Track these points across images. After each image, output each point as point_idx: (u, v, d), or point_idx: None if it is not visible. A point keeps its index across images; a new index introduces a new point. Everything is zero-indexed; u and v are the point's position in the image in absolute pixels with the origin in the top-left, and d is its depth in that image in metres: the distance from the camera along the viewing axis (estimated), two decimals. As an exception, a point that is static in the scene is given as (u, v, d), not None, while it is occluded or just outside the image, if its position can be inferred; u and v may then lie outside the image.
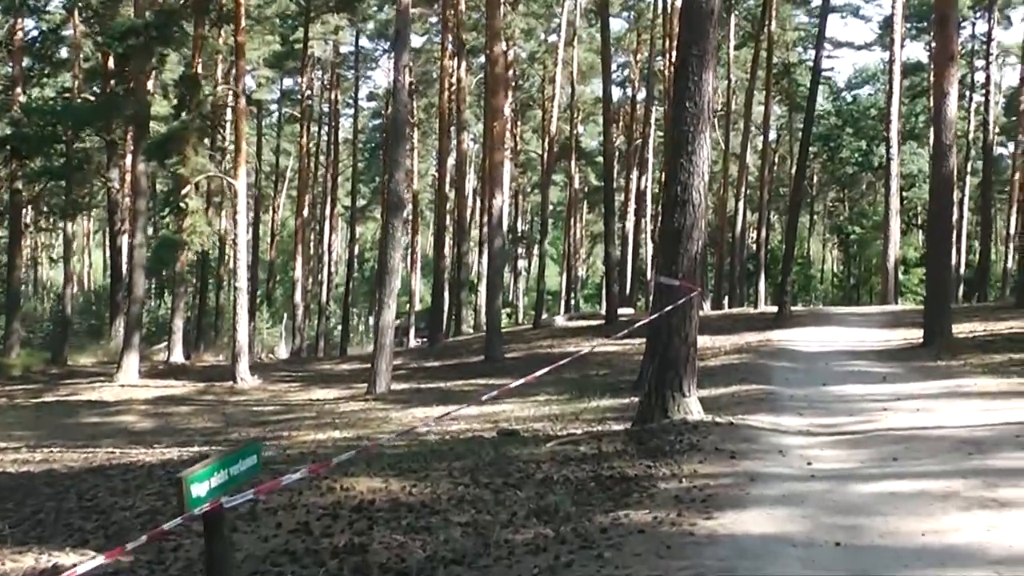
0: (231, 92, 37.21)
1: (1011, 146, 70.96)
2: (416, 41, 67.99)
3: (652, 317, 12.92)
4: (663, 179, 14.13)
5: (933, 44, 68.69)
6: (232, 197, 34.02)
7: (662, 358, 12.76)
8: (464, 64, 44.02)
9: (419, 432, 15.99)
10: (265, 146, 76.34)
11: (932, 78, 57.80)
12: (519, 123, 73.21)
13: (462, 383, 27.03)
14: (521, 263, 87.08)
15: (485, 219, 34.56)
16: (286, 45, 60.49)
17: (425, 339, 52.08)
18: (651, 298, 13.38)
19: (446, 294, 50.94)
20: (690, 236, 12.66)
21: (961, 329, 24.87)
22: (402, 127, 27.01)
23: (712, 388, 17.83)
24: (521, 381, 12.37)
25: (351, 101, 74.43)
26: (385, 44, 71.74)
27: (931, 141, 26.63)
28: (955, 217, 41.56)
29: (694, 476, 9.72)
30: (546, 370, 13.01)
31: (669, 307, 12.48)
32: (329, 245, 71.59)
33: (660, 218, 13.48)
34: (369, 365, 27.23)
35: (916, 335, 25.12)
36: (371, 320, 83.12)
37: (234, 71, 35.80)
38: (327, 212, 69.36)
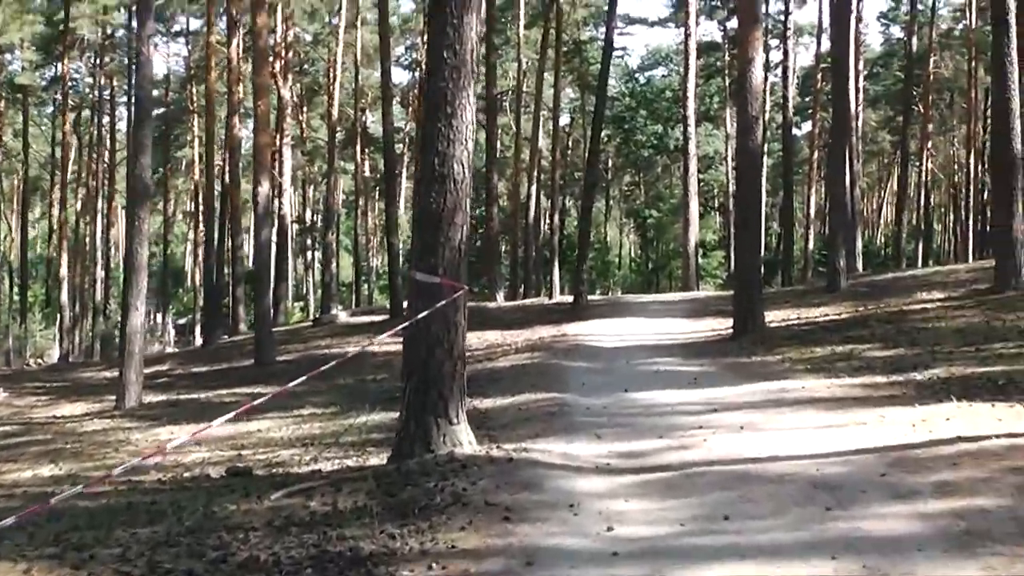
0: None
1: (806, 126, 70.86)
2: (196, 24, 64.64)
3: (404, 324, 10.12)
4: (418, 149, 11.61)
5: (727, 23, 69.23)
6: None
7: (421, 377, 10.00)
8: (236, 42, 40.53)
9: (146, 465, 13.08)
10: (40, 136, 71.84)
11: (735, 46, 57.19)
12: (305, 109, 69.94)
13: (226, 392, 24.12)
14: (317, 255, 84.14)
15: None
16: (53, 26, 56.26)
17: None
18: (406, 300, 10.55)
19: (226, 290, 47.74)
20: (451, 220, 9.98)
21: (773, 317, 22.89)
22: (147, 106, 23.78)
23: (497, 397, 15.67)
24: (263, 399, 9.63)
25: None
26: (161, 26, 68.08)
27: (735, 112, 24.48)
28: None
29: (451, 555, 6.97)
30: (297, 382, 10.27)
31: (425, 311, 9.72)
32: (107, 240, 67.49)
33: (413, 198, 10.69)
34: (149, 369, 24.08)
35: (724, 325, 23.21)
36: (159, 317, 79.41)
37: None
38: (103, 206, 65.28)
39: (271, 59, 48.59)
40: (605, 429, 11.60)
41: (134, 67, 61.08)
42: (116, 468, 12.11)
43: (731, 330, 21.79)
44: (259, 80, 29.69)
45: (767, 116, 59.34)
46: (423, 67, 63.40)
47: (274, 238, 56.01)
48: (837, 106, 29.47)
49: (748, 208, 22.41)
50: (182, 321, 71.72)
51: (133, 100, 27.67)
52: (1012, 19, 21.69)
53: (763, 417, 11.64)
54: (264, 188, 28.30)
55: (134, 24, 61.29)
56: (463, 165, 10.03)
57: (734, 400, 13.16)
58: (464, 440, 10.04)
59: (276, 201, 53.11)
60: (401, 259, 37.46)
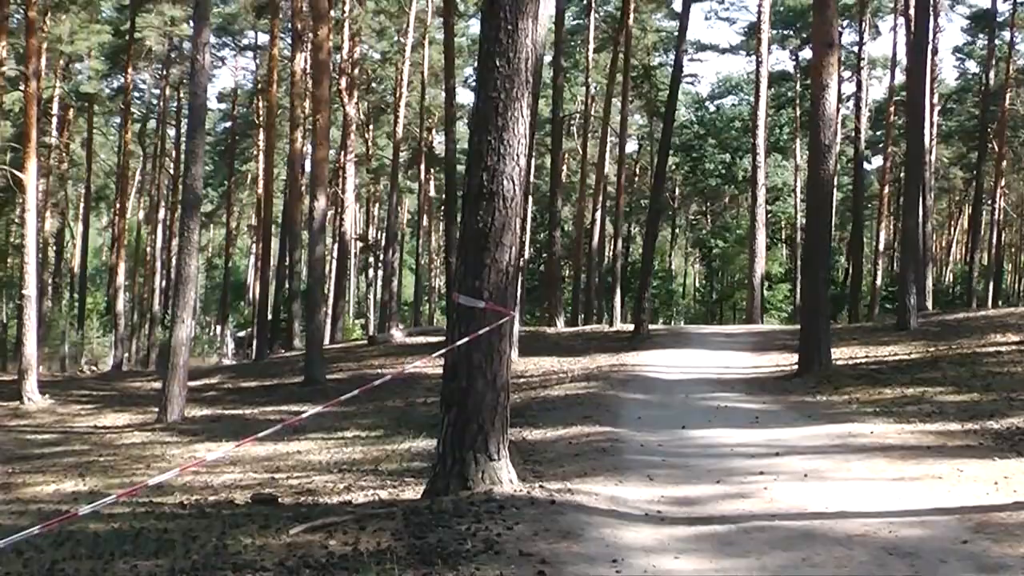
0: (23, 75, 32.90)
1: (876, 160, 69.67)
2: (265, 38, 64.31)
3: (443, 351, 9.38)
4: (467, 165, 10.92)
5: (799, 53, 68.32)
6: (21, 193, 29.69)
7: (460, 408, 9.26)
8: (301, 57, 40.15)
9: (172, 485, 12.48)
10: (107, 145, 71.99)
11: (807, 76, 56.37)
12: (371, 127, 69.57)
13: (271, 409, 23.61)
14: (379, 273, 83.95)
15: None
16: (119, 36, 56.14)
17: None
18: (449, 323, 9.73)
19: (282, 305, 47.27)
20: (499, 241, 9.25)
21: (839, 355, 21.87)
22: (200, 114, 23.18)
23: (547, 428, 14.95)
24: (308, 413, 8.92)
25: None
26: (230, 39, 68.06)
27: (807, 141, 23.59)
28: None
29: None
30: (313, 410, 9.62)
31: (466, 338, 8.98)
32: (168, 250, 67.35)
33: (461, 215, 9.94)
34: (198, 382, 23.54)
35: (788, 361, 22.35)
36: (218, 329, 79.26)
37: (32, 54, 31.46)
38: (163, 216, 65.10)
39: (337, 76, 48.30)
40: (658, 470, 10.84)
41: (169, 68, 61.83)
42: (139, 486, 11.53)
43: (796, 366, 20.88)
44: (319, 93, 29.16)
45: (837, 148, 58.42)
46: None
47: (334, 255, 56.38)
48: (912, 140, 28.49)
49: (818, 239, 21.47)
50: (242, 334, 71.54)
51: (187, 108, 27.06)
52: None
53: (829, 464, 10.81)
54: (320, 203, 27.71)
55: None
56: (514, 182, 9.31)
57: (798, 443, 12.34)
58: (504, 478, 9.29)
59: (338, 218, 52.98)
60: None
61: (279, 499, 10.87)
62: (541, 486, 9.53)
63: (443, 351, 9.35)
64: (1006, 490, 9.05)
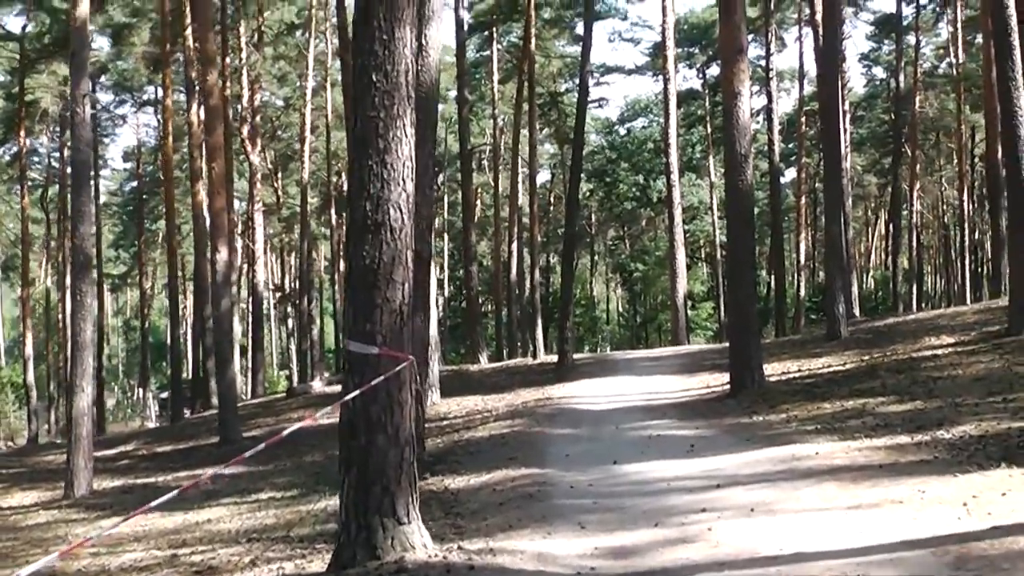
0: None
1: (789, 173, 69.52)
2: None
3: (338, 404, 8.35)
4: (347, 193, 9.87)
5: (706, 70, 68.12)
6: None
7: (361, 469, 8.22)
8: (196, 106, 38.93)
9: (66, 572, 11.39)
10: (11, 214, 70.18)
11: (716, 93, 56.22)
12: (280, 175, 68.34)
13: (185, 475, 22.35)
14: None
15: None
16: (11, 100, 54.53)
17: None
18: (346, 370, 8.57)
19: (191, 363, 46.00)
20: (390, 277, 8.25)
21: (771, 370, 21.06)
22: (84, 170, 21.94)
23: (471, 474, 13.94)
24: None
25: (104, 161, 69.50)
26: (129, 96, 66.42)
27: (723, 150, 22.85)
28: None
29: None
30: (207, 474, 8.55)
31: (358, 389, 7.96)
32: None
33: (343, 252, 8.90)
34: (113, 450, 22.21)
35: (719, 380, 21.49)
36: (138, 392, 77.62)
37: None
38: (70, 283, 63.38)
39: (238, 125, 47.13)
40: (590, 515, 9.88)
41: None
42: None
43: (728, 386, 20.00)
44: (212, 141, 27.90)
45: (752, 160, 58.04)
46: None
47: (250, 307, 55.03)
48: (828, 147, 27.90)
49: (741, 252, 20.67)
50: (165, 395, 69.97)
51: (68, 165, 25.88)
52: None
53: (776, 494, 9.89)
54: (222, 255, 26.51)
55: (98, 92, 60.65)
56: (401, 211, 8.32)
57: (739, 471, 11.41)
58: (417, 542, 8.25)
59: (251, 269, 51.69)
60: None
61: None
62: (460, 547, 8.52)
63: (326, 410, 8.33)
64: (978, 513, 8.13)
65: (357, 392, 8.00)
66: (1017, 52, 20.22)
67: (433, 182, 17.66)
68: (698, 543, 8.25)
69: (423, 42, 16.35)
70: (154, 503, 8.49)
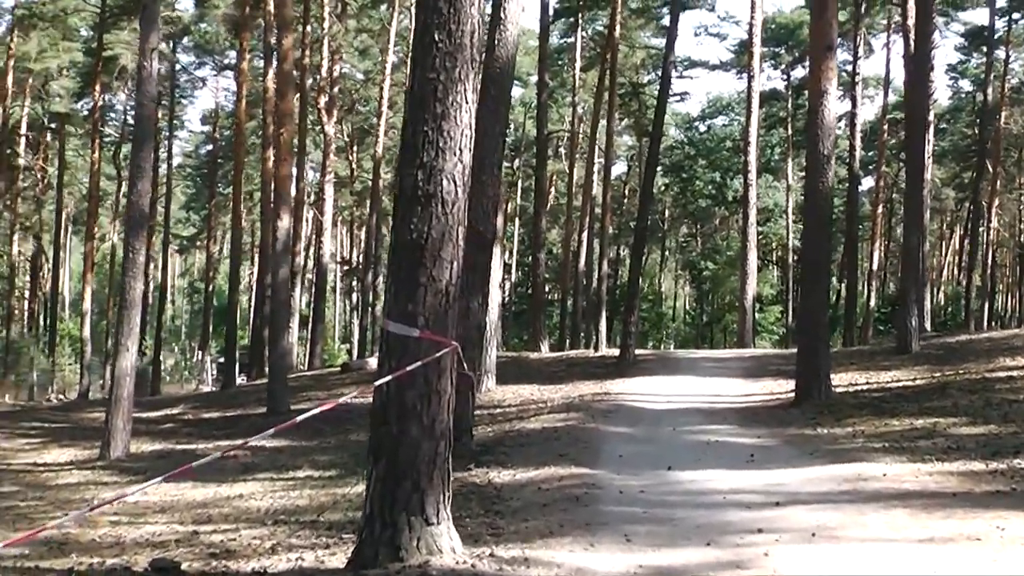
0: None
1: (867, 181, 68.38)
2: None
3: (361, 388, 7.73)
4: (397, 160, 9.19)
5: (790, 72, 66.96)
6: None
7: (391, 460, 7.58)
8: (274, 71, 38.49)
9: (79, 540, 10.92)
10: (84, 168, 70.38)
11: (799, 96, 55.27)
12: (356, 149, 68.16)
13: (227, 444, 21.73)
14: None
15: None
16: (91, 55, 54.40)
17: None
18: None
19: (251, 330, 45.64)
20: (437, 254, 7.60)
21: (838, 381, 20.18)
22: (148, 125, 21.46)
23: (518, 469, 13.25)
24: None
25: (180, 122, 70.31)
26: (209, 59, 66.27)
27: (805, 150, 22.05)
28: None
29: None
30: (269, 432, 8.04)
31: (394, 373, 7.32)
32: (146, 275, 65.52)
33: (392, 223, 8.24)
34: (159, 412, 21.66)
35: (784, 388, 20.75)
36: (197, 355, 77.60)
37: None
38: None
39: (315, 94, 46.76)
40: (639, 526, 9.20)
41: (186, 102, 60.10)
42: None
43: (792, 394, 19.23)
44: (283, 106, 27.44)
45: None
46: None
47: (314, 279, 54.71)
48: (912, 156, 27.08)
49: (817, 256, 19.86)
50: (222, 360, 69.96)
51: (133, 119, 25.48)
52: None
53: (840, 517, 9.16)
54: (284, 223, 26.02)
55: (179, 54, 60.57)
56: (455, 183, 7.67)
57: (801, 488, 10.70)
58: (445, 546, 7.61)
59: (317, 241, 51.38)
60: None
61: (181, 566, 9.11)
62: (492, 554, 7.87)
63: (351, 396, 7.70)
64: (1067, 560, 7.39)
65: (390, 376, 7.36)
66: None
67: (502, 160, 17.03)
68: (753, 569, 7.55)
69: (501, 15, 15.82)
70: (167, 475, 7.93)
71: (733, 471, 12.04)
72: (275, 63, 33.62)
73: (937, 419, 15.31)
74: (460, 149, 7.69)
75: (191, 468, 8.39)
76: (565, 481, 11.94)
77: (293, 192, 41.21)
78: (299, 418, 8.46)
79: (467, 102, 7.71)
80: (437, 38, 7.64)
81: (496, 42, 15.68)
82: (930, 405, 16.80)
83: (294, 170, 40.35)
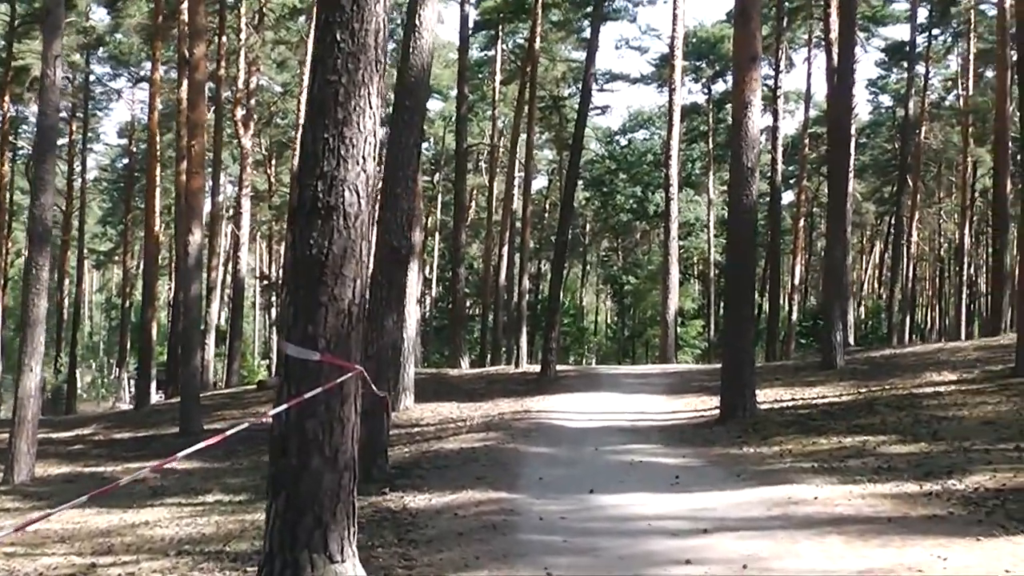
0: None
1: (787, 195, 68.65)
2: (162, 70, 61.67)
3: (265, 417, 7.18)
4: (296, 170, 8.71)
5: (711, 86, 66.99)
6: None
7: (291, 494, 7.00)
8: (187, 81, 37.71)
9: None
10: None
11: (720, 109, 55.31)
12: (274, 162, 67.38)
13: (137, 466, 21.02)
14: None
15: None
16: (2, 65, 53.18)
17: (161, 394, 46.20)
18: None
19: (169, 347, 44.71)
20: (339, 272, 7.06)
21: (763, 397, 19.90)
22: (51, 136, 20.72)
23: (435, 493, 12.76)
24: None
25: (96, 135, 69.63)
26: (124, 71, 65.12)
27: (729, 162, 21.72)
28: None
29: None
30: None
31: (290, 401, 6.76)
32: (60, 292, 64.22)
33: (287, 240, 7.68)
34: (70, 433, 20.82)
35: (708, 404, 20.51)
36: (115, 372, 76.37)
37: None
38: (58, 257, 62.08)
39: (231, 106, 46.02)
40: (559, 557, 8.71)
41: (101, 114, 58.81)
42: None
43: (717, 411, 18.86)
44: (194, 117, 26.70)
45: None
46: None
47: (230, 293, 53.83)
48: (834, 171, 26.81)
49: (741, 270, 19.49)
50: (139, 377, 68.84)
51: (35, 131, 24.66)
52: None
53: (772, 546, 8.70)
54: (196, 237, 25.30)
55: (93, 65, 59.47)
56: (358, 194, 7.12)
57: (729, 513, 10.24)
58: (350, 584, 7.05)
59: (234, 255, 50.53)
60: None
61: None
62: (401, 594, 7.33)
63: (268, 414, 7.15)
64: (1016, 594, 6.95)
65: (286, 405, 6.81)
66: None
67: (417, 173, 16.54)
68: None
69: (416, 22, 15.33)
70: (73, 502, 7.34)
71: (658, 494, 11.60)
72: (188, 73, 32.93)
73: (866, 437, 14.96)
74: (363, 157, 7.16)
75: (99, 494, 7.77)
76: (483, 507, 11.44)
77: (209, 206, 40.47)
78: (200, 445, 7.87)
79: (371, 107, 7.18)
80: (339, 37, 7.11)
81: (411, 50, 15.17)
82: (858, 422, 16.47)
83: (209, 183, 39.61)
